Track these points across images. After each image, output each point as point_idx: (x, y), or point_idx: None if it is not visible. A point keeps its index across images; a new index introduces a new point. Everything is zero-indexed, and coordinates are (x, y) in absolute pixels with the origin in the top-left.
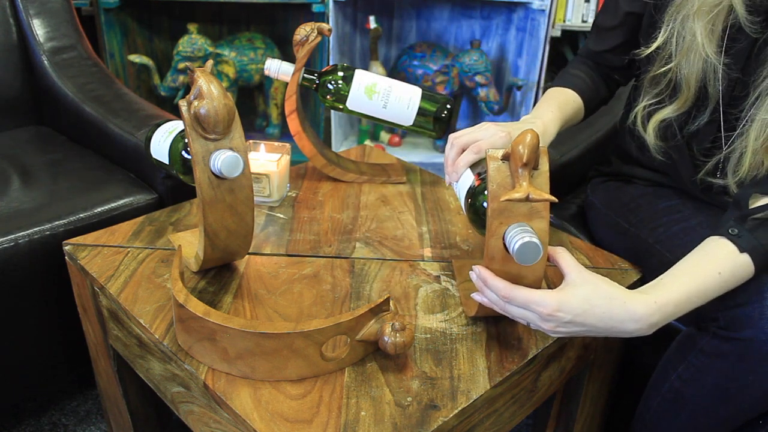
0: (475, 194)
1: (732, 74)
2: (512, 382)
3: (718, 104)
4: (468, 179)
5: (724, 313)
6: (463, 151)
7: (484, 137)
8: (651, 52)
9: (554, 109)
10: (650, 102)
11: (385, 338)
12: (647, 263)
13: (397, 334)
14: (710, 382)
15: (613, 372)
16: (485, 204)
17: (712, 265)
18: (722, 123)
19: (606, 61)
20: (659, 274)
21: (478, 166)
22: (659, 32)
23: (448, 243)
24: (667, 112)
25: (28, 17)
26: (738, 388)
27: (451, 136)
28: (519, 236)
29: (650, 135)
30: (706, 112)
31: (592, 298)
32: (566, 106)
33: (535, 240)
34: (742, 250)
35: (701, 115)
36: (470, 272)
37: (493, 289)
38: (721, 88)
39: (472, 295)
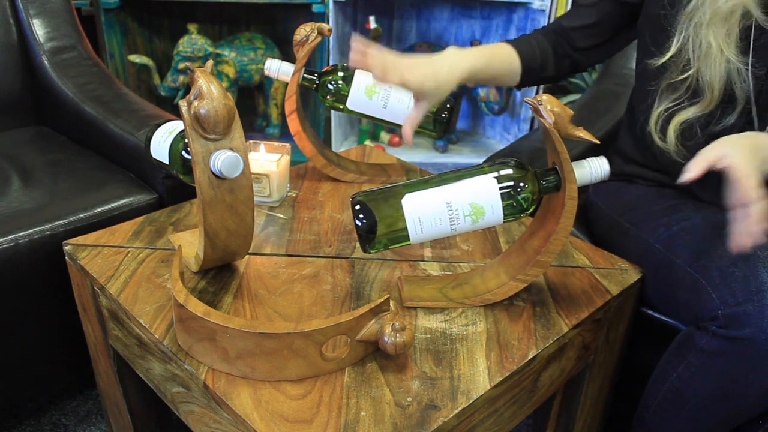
0: None
1: (758, 72)
2: (512, 382)
3: (748, 103)
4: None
5: (723, 312)
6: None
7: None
8: (666, 60)
9: (476, 51)
10: (668, 106)
11: (385, 338)
12: (648, 263)
13: (397, 334)
14: (710, 382)
15: (613, 372)
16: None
17: None
18: (756, 119)
19: (571, 39)
20: (660, 274)
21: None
22: (672, 41)
23: (448, 243)
24: (690, 113)
25: (28, 17)
26: (738, 387)
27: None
28: (598, 162)
29: (671, 138)
30: (734, 113)
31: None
32: (494, 57)
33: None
34: None
35: (728, 116)
36: (735, 212)
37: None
38: (751, 86)
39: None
